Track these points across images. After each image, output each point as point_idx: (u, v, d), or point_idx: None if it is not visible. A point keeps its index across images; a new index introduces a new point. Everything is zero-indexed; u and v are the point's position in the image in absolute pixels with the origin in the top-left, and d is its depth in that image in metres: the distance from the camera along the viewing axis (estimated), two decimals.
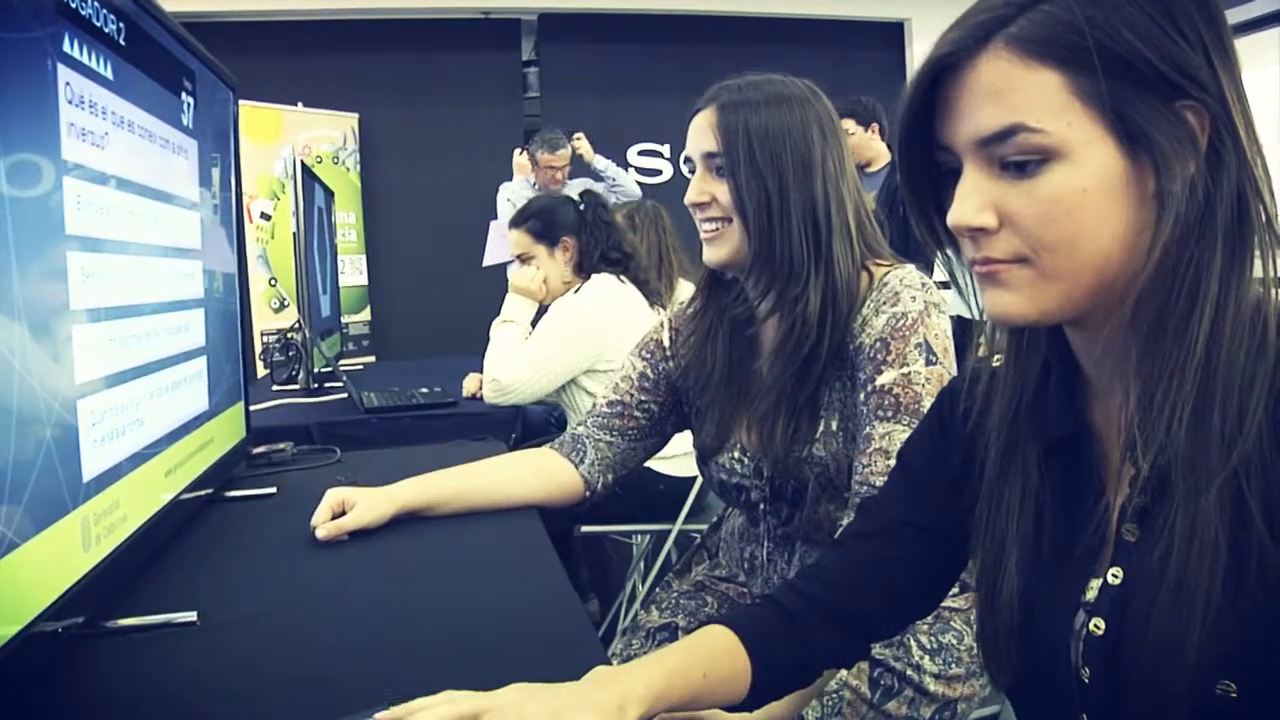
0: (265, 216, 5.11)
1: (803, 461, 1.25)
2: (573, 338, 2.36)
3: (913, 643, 1.20)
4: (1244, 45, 5.02)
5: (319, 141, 5.41)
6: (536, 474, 1.44)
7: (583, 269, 2.53)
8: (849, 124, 3.87)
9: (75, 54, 0.97)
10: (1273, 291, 0.64)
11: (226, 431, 1.58)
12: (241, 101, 1.76)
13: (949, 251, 0.73)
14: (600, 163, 4.63)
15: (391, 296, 5.83)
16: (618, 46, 6.07)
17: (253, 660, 0.95)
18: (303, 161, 2.83)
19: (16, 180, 0.84)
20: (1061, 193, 0.63)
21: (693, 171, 1.28)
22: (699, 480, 2.19)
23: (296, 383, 2.93)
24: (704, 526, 1.60)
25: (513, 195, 4.30)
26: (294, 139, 5.05)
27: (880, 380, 1.18)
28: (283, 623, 1.04)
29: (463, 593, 1.12)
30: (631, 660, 0.83)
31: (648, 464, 1.61)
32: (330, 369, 2.92)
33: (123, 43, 1.11)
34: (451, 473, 1.42)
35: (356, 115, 5.65)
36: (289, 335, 2.99)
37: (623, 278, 2.48)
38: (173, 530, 1.30)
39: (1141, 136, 0.62)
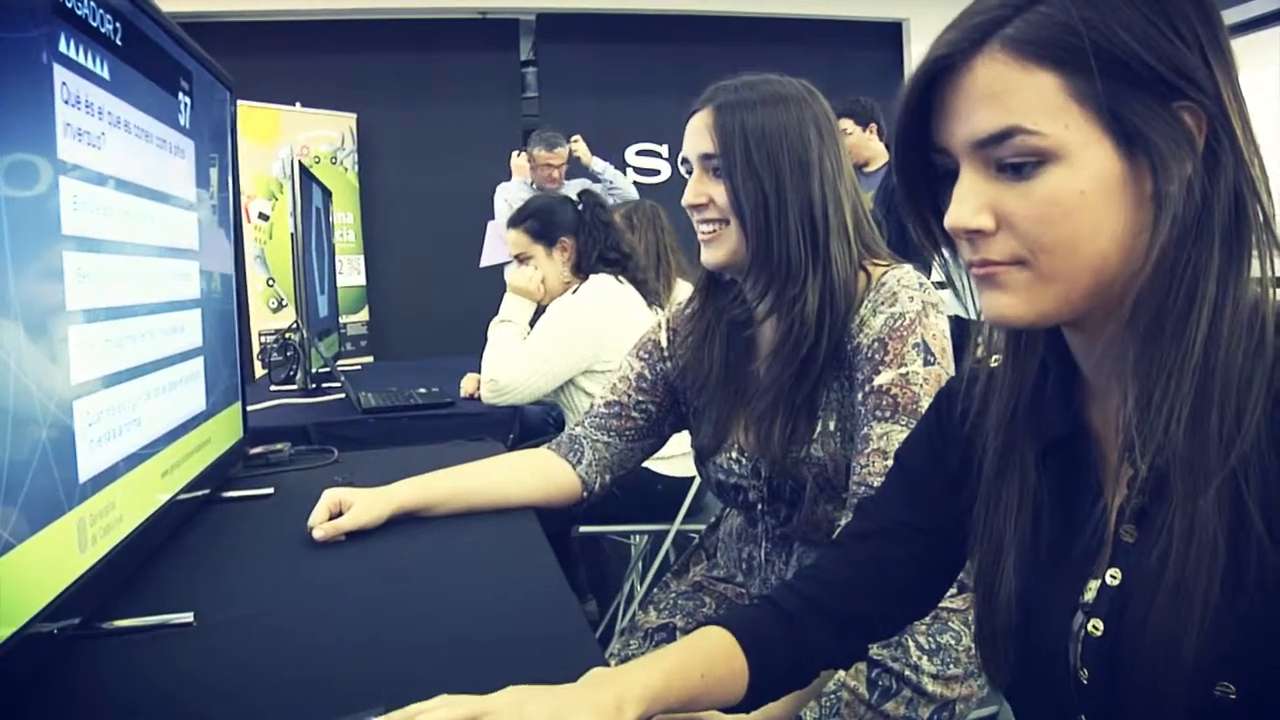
0: (263, 217, 5.11)
1: (800, 462, 1.25)
2: (571, 338, 2.36)
3: (911, 643, 1.20)
4: (1243, 45, 5.04)
5: (317, 142, 5.41)
6: (534, 474, 1.44)
7: (581, 269, 2.53)
8: (847, 124, 3.87)
9: (71, 54, 0.97)
10: (1270, 291, 0.64)
11: (224, 432, 1.58)
12: (239, 101, 1.76)
13: (946, 253, 0.73)
14: (598, 165, 4.63)
15: (389, 297, 5.83)
16: (616, 46, 6.08)
17: (249, 661, 0.95)
18: (300, 161, 2.83)
19: (12, 180, 0.83)
20: (1059, 194, 0.63)
21: (690, 173, 1.28)
22: (697, 481, 2.19)
23: (294, 383, 2.93)
24: (702, 527, 1.60)
25: (510, 196, 4.30)
26: (292, 139, 5.05)
27: (878, 380, 1.18)
28: (279, 623, 1.03)
29: (460, 593, 1.12)
30: (629, 661, 0.83)
31: (646, 464, 1.61)
32: (328, 369, 2.92)
33: (119, 43, 1.10)
34: (449, 473, 1.42)
35: (354, 115, 5.65)
36: (287, 335, 2.99)
37: (621, 278, 2.48)
38: (170, 531, 1.30)
39: (1139, 137, 0.62)
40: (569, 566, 2.58)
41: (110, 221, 1.08)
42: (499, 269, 4.19)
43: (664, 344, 1.45)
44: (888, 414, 1.16)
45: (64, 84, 0.94)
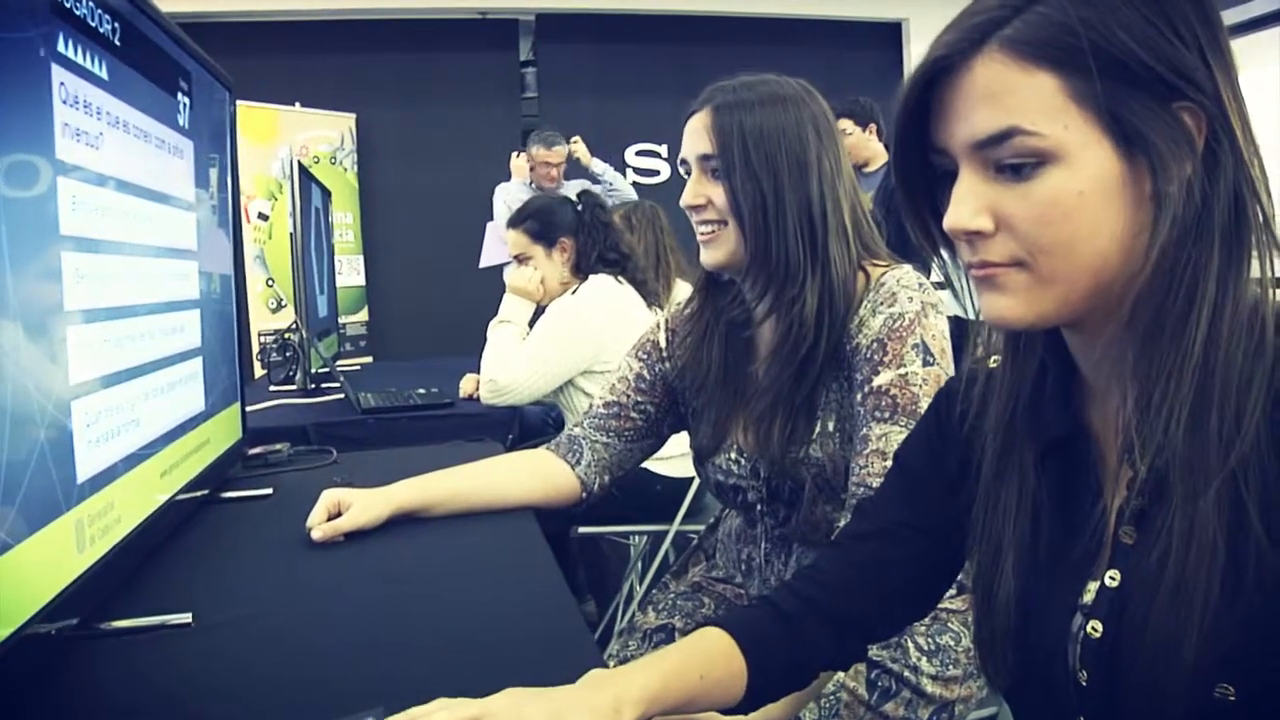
0: (263, 217, 5.11)
1: (799, 462, 1.25)
2: (570, 339, 2.36)
3: (910, 644, 1.20)
4: (1243, 45, 5.04)
5: (316, 142, 5.41)
6: (533, 475, 1.44)
7: (580, 270, 2.53)
8: (847, 124, 3.87)
9: (70, 54, 0.96)
10: (1270, 291, 0.64)
11: (223, 432, 1.57)
12: (239, 102, 1.76)
13: (945, 254, 0.73)
14: (597, 166, 4.64)
15: (389, 297, 5.83)
16: (615, 47, 6.08)
17: (248, 661, 0.95)
18: (300, 162, 2.83)
19: (10, 181, 0.83)
20: (1058, 195, 0.62)
21: (689, 174, 1.28)
22: (696, 481, 2.19)
23: (293, 383, 2.93)
24: (701, 527, 1.60)
25: (509, 197, 4.30)
26: (291, 139, 5.05)
27: (877, 381, 1.18)
28: (278, 624, 1.03)
29: (458, 594, 1.12)
30: (628, 662, 0.83)
31: (645, 465, 1.60)
32: (327, 369, 2.91)
33: (118, 43, 1.10)
34: (448, 474, 1.42)
35: (354, 115, 5.65)
36: (286, 336, 2.99)
37: (620, 278, 2.48)
38: (168, 531, 1.30)
39: (1138, 138, 0.61)
40: (568, 567, 2.58)
41: (109, 222, 1.08)
42: (498, 269, 4.19)
43: (663, 344, 1.45)
44: (887, 415, 1.16)
45: (62, 84, 0.94)
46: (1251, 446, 0.61)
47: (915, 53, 5.54)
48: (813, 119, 1.24)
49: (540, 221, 2.54)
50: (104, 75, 1.06)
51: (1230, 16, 5.01)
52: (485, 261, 4.58)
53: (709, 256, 1.27)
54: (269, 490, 1.58)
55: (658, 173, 6.09)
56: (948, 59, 0.64)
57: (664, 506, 2.31)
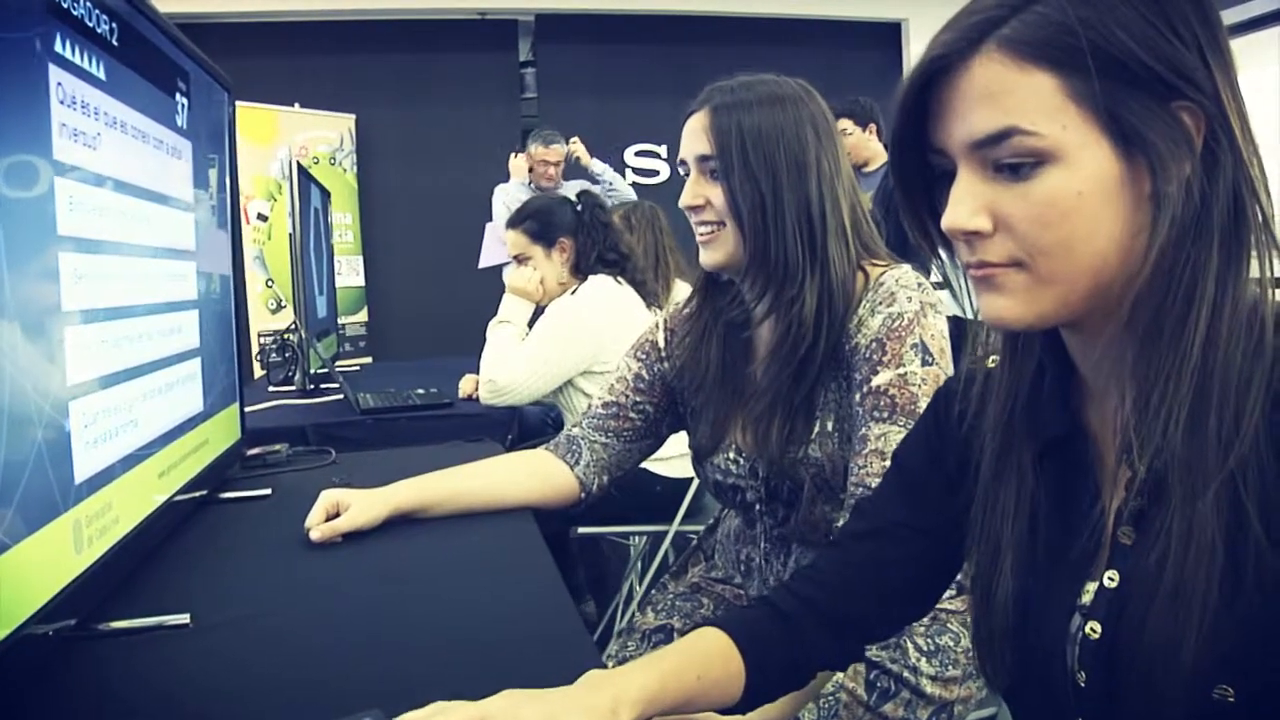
0: (262, 218, 5.11)
1: (798, 462, 1.25)
2: (569, 339, 2.36)
3: (909, 645, 1.20)
4: (1243, 45, 5.04)
5: (316, 142, 5.41)
6: (532, 475, 1.44)
7: (579, 270, 2.53)
8: (846, 124, 3.88)
9: (67, 54, 0.96)
10: (1270, 291, 0.64)
11: (221, 433, 1.57)
12: (238, 102, 1.76)
13: (944, 254, 0.73)
14: (597, 166, 4.64)
15: (388, 297, 5.82)
16: (615, 47, 6.07)
17: (246, 662, 0.95)
18: (299, 162, 2.83)
19: (8, 181, 0.83)
20: (1056, 196, 0.62)
21: (687, 174, 1.27)
22: (696, 482, 2.19)
23: (292, 384, 2.93)
24: (701, 528, 1.60)
25: (508, 198, 4.31)
26: (290, 140, 5.05)
27: (876, 381, 1.18)
28: (276, 624, 1.03)
29: (457, 594, 1.12)
30: (627, 662, 0.83)
31: (644, 465, 1.60)
32: (326, 370, 2.91)
33: (115, 43, 1.10)
34: (446, 474, 1.42)
35: (353, 116, 5.65)
36: (285, 336, 2.99)
37: (619, 279, 2.48)
38: (166, 532, 1.30)
39: (1137, 138, 0.61)
40: (568, 567, 2.58)
41: (107, 222, 1.07)
42: (497, 269, 4.19)
43: (661, 344, 1.44)
44: (886, 414, 1.16)
45: (59, 84, 0.94)
46: (1250, 447, 0.60)
47: (915, 53, 5.51)
48: (811, 119, 1.23)
49: (539, 222, 2.54)
50: (102, 76, 1.06)
51: (1230, 16, 5.01)
52: (484, 262, 4.59)
53: (708, 257, 1.27)
54: (268, 491, 1.57)
55: (657, 173, 6.09)
56: (945, 59, 0.64)
57: (663, 507, 2.30)
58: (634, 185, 5.04)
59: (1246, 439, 0.60)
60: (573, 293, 2.44)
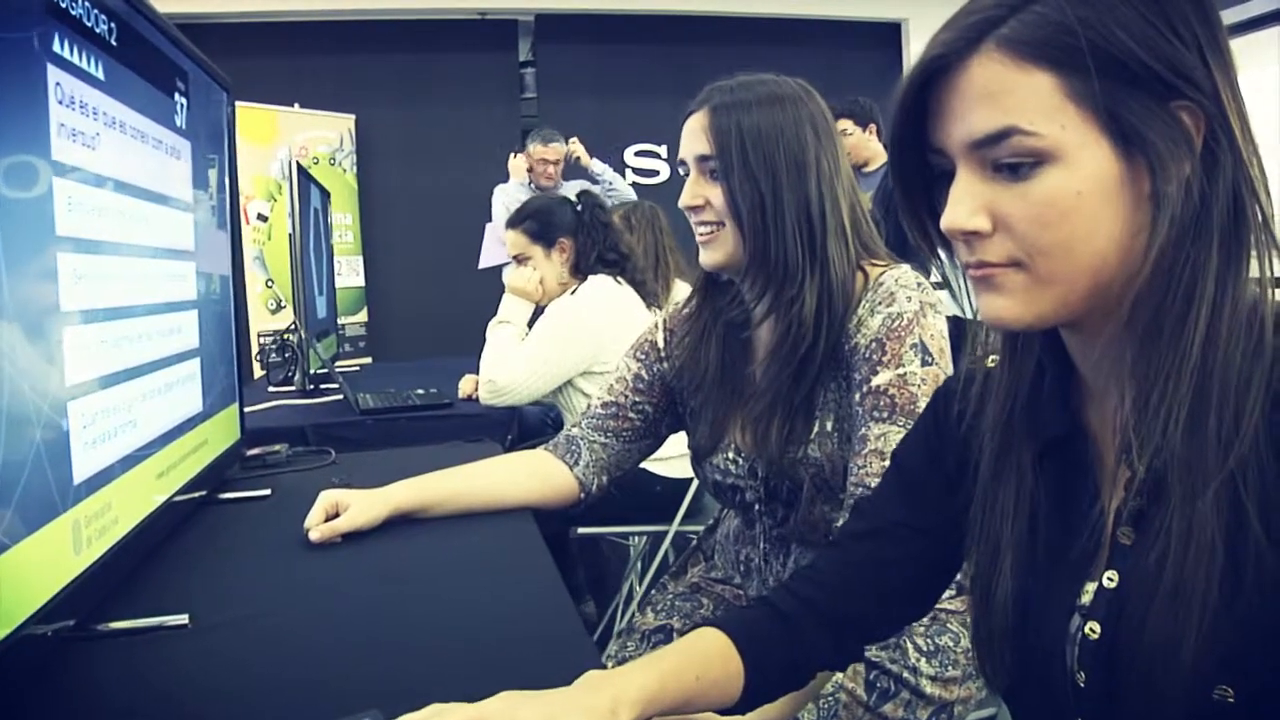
0: (261, 218, 5.11)
1: (797, 462, 1.25)
2: (569, 339, 2.36)
3: (909, 645, 1.20)
4: (1243, 45, 5.04)
5: (315, 143, 5.41)
6: (531, 476, 1.44)
7: (579, 270, 2.53)
8: (846, 124, 3.88)
9: (65, 54, 0.96)
10: (1270, 291, 0.63)
11: (221, 433, 1.57)
12: (237, 102, 1.75)
13: (943, 254, 0.73)
14: (596, 166, 4.64)
15: (388, 298, 5.82)
16: (615, 47, 6.07)
17: (245, 662, 0.95)
18: (299, 163, 2.83)
19: (6, 181, 0.83)
20: (1056, 196, 0.62)
21: (687, 174, 1.27)
22: (695, 482, 2.18)
23: (292, 384, 2.93)
24: (701, 528, 1.60)
25: (508, 198, 4.31)
26: (290, 140, 5.05)
27: (876, 381, 1.18)
28: (276, 625, 1.03)
29: (456, 595, 1.12)
30: (627, 662, 0.83)
31: (644, 465, 1.60)
32: (326, 370, 2.91)
33: (114, 43, 1.10)
34: (446, 474, 1.41)
35: (353, 116, 5.65)
36: (285, 336, 2.99)
37: (619, 279, 2.48)
38: (166, 532, 1.29)
39: (1136, 138, 0.61)
40: (567, 567, 2.58)
41: (106, 222, 1.07)
42: (497, 270, 4.19)
43: (661, 345, 1.44)
44: (885, 414, 1.16)
45: (58, 84, 0.94)
46: (1250, 447, 0.60)
47: (915, 53, 5.50)
48: (811, 119, 1.23)
49: (539, 222, 2.53)
50: (100, 76, 1.06)
51: (1230, 16, 5.01)
52: (484, 262, 4.59)
53: (708, 257, 1.27)
54: (267, 491, 1.57)
55: (657, 173, 6.09)
56: (944, 58, 0.64)
57: (663, 507, 2.30)
58: (634, 185, 5.04)
59: (1246, 439, 0.60)
60: (572, 293, 2.44)
